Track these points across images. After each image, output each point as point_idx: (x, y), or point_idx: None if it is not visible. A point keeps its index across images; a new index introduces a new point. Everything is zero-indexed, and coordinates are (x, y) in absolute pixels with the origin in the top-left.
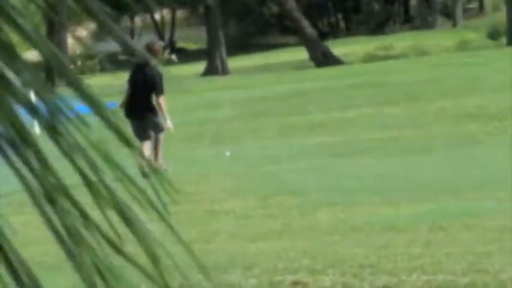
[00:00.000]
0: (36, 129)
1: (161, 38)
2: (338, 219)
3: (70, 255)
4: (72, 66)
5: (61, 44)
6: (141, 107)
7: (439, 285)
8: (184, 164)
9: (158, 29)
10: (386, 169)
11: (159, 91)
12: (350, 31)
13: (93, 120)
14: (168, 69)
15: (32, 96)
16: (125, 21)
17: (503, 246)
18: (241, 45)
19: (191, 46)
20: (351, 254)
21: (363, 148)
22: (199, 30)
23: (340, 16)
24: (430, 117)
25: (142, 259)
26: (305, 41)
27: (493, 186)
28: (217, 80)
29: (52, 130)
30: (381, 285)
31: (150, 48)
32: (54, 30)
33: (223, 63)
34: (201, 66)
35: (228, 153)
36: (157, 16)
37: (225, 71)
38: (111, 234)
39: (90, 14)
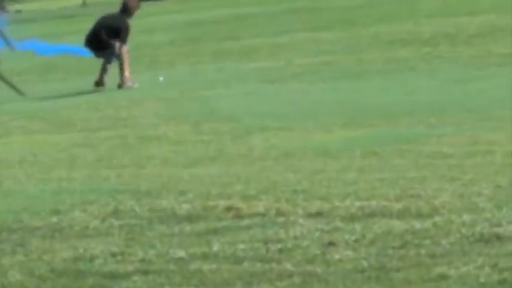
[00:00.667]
0: None
1: None
2: (271, 144)
3: None
4: None
5: None
6: None
7: (373, 210)
8: (118, 89)
9: None
10: (320, 94)
11: None
12: None
13: None
14: None
15: None
16: None
17: (436, 171)
18: None
19: None
20: (284, 179)
21: (296, 73)
22: None
23: None
24: (364, 43)
25: None
26: None
27: (425, 111)
28: (152, 5)
29: None
30: (314, 211)
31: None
32: None
33: None
34: None
35: (161, 79)
36: None
37: None
38: None
39: None
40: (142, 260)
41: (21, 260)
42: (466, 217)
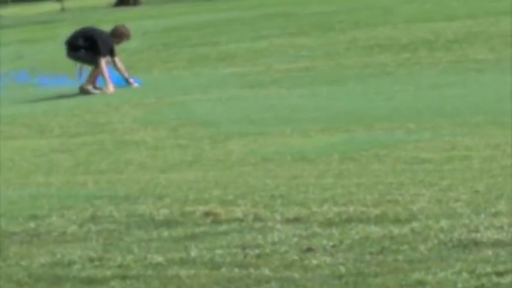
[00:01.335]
0: None
1: None
2: (249, 149)
3: None
4: None
5: None
6: None
7: (350, 216)
8: (95, 94)
9: None
10: (297, 100)
11: None
12: None
13: None
14: (81, 1)
15: None
16: None
17: (414, 177)
18: None
19: None
20: (262, 184)
21: (274, 78)
22: None
23: None
24: (342, 48)
25: None
26: None
27: (403, 117)
28: (129, 11)
29: None
30: (292, 216)
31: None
32: None
33: None
34: None
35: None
36: None
37: (136, 2)
38: None
39: None
40: (120, 265)
41: None
42: (444, 223)
